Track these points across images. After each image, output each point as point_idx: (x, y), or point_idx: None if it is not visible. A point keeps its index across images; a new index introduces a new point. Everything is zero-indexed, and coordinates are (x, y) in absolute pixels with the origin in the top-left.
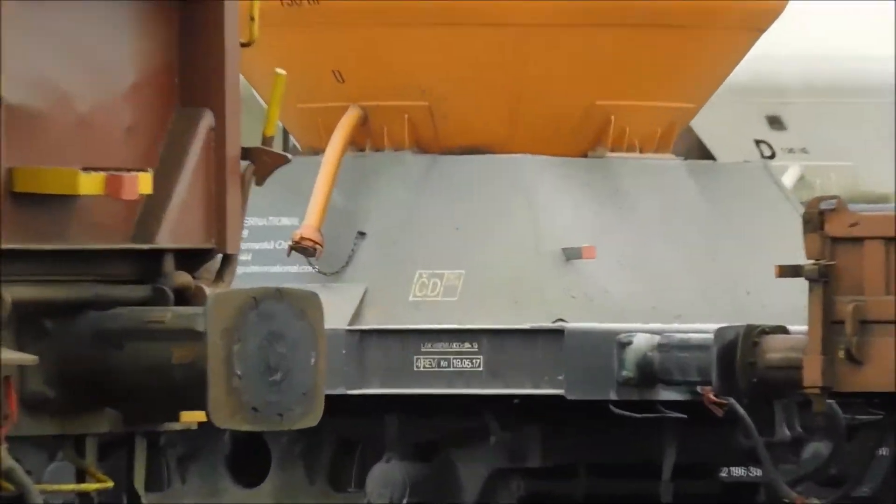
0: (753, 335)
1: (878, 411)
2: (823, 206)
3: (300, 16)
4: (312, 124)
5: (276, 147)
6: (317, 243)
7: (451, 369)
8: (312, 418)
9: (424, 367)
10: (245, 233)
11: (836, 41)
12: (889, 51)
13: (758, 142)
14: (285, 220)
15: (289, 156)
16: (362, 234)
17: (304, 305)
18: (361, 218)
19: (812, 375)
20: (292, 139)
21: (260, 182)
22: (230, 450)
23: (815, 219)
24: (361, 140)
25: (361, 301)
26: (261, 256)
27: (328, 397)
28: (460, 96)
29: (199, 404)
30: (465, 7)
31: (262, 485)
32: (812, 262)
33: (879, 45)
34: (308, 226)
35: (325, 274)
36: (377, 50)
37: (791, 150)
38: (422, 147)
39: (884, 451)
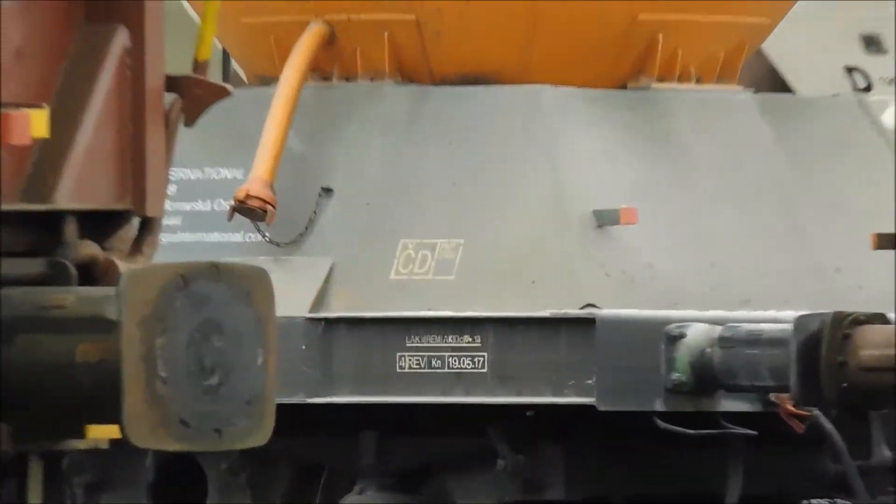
0: (844, 326)
1: None
2: None
3: None
4: (262, 45)
5: (213, 77)
6: (268, 203)
7: (446, 371)
8: (261, 435)
9: (410, 367)
10: (172, 189)
11: None
12: None
13: (849, 69)
14: (226, 173)
15: (229, 87)
16: (328, 190)
17: (249, 286)
18: (327, 170)
19: None
20: (235, 65)
21: (190, 122)
22: (153, 477)
23: None
24: (327, 65)
25: (327, 280)
26: (193, 221)
27: (283, 408)
28: (458, 7)
29: (112, 416)
30: None
31: None
32: None
33: None
34: (256, 179)
35: (278, 244)
36: None
37: (892, 81)
38: (407, 76)
39: None
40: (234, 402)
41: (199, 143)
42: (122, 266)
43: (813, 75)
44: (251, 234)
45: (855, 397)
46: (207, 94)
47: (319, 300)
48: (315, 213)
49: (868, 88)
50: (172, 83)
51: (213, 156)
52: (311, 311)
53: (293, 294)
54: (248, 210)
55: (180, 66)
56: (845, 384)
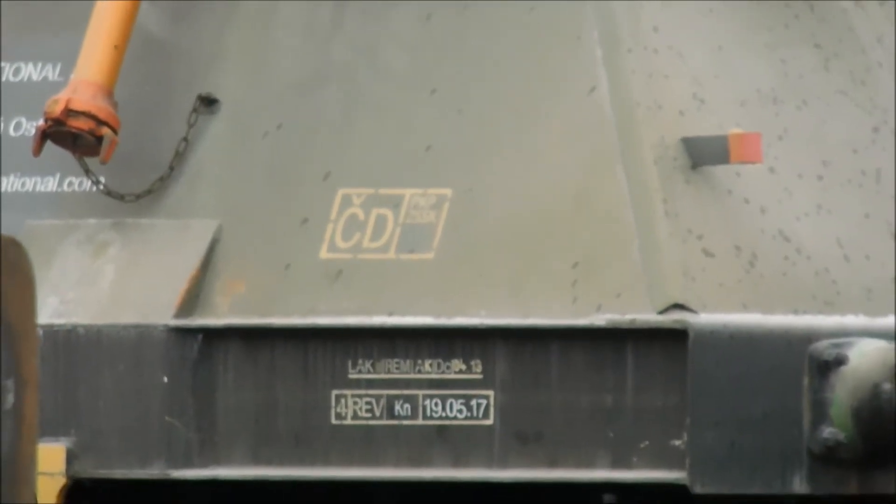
0: None
1: None
2: None
3: None
4: None
5: None
6: (104, 123)
7: (421, 423)
8: None
9: (355, 416)
10: None
11: None
12: None
13: None
14: (31, 71)
15: None
16: (210, 101)
17: None
18: (208, 67)
19: None
20: None
21: None
22: None
23: None
24: None
25: (207, 259)
26: None
27: (126, 486)
28: None
29: None
30: None
31: None
32: None
33: None
34: (84, 83)
35: (122, 197)
36: None
37: None
38: None
39: None
40: None
41: None
42: None
43: None
44: (75, 180)
45: None
46: None
47: (193, 296)
48: (186, 142)
49: None
50: None
51: (10, 42)
52: (177, 316)
53: (148, 285)
54: (70, 136)
55: None
56: None
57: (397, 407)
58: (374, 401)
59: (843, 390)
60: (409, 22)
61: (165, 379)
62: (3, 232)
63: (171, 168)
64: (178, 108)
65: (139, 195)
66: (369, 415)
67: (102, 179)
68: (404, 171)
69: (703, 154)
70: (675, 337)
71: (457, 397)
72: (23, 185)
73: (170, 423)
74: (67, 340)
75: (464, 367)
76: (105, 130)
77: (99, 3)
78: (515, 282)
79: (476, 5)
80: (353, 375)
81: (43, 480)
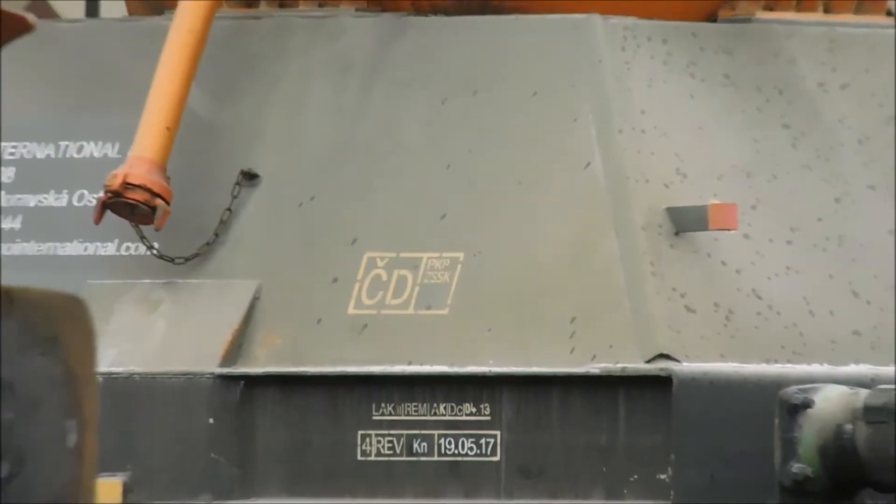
0: None
1: None
2: None
3: None
4: None
5: (69, 6)
6: (157, 196)
7: (436, 459)
8: None
9: (378, 453)
10: (8, 175)
11: None
12: None
13: None
14: (92, 150)
15: (29, 17)
16: (251, 176)
17: (56, 325)
18: (250, 145)
19: None
20: None
21: None
22: None
23: None
24: None
25: (248, 315)
26: (42, 223)
27: None
28: None
29: None
30: None
31: None
32: None
33: None
34: (140, 160)
35: (173, 260)
36: None
37: None
38: (377, 0)
39: None
40: None
41: (52, 103)
42: None
43: None
44: (131, 245)
45: None
46: (9, 26)
47: (235, 347)
48: (230, 211)
49: None
50: None
51: (74, 123)
52: (222, 365)
53: (196, 338)
54: (127, 206)
55: None
56: None
57: (415, 445)
58: (395, 440)
59: (809, 430)
60: (427, 104)
61: (211, 420)
62: (67, 291)
63: (216, 234)
64: (222, 181)
65: (188, 258)
66: (391, 452)
67: (156, 244)
68: (422, 237)
69: (686, 222)
70: (661, 383)
71: (468, 436)
72: (85, 249)
73: (215, 460)
74: (124, 387)
75: (474, 409)
76: (158, 202)
77: (153, 87)
78: (519, 334)
79: (485, 91)
80: (376, 417)
81: None
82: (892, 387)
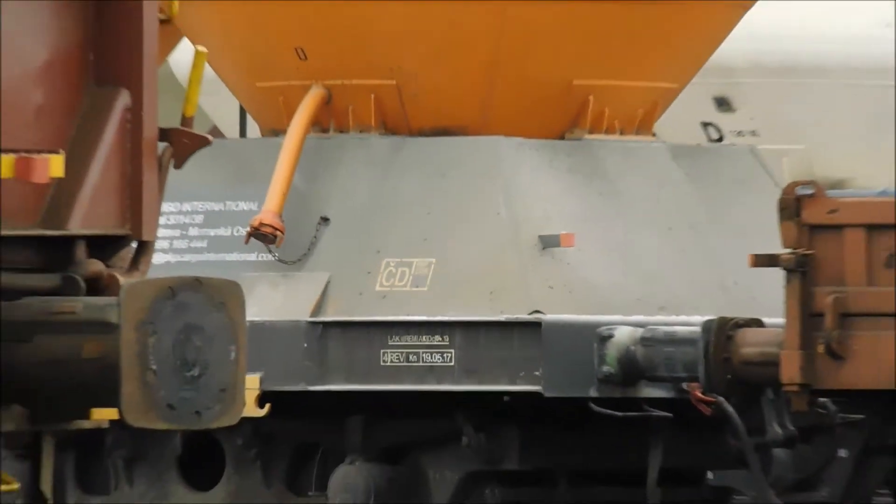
0: (727, 328)
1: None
2: (800, 191)
3: None
4: (273, 104)
5: (232, 130)
6: (277, 229)
7: (421, 364)
8: (232, 416)
9: (392, 361)
10: (199, 219)
11: (787, 21)
12: (840, 30)
13: (705, 124)
14: (243, 205)
15: (209, 137)
16: (325, 219)
17: (224, 296)
18: (324, 203)
19: (790, 372)
20: (250, 120)
21: (178, 165)
22: (181, 451)
23: (792, 205)
24: (325, 120)
25: (324, 291)
26: (217, 244)
27: (286, 394)
28: (431, 74)
29: (112, 401)
30: None
31: (216, 489)
32: (789, 251)
33: (831, 26)
34: (268, 211)
35: (285, 262)
36: (342, 25)
37: (740, 133)
38: (389, 128)
39: (843, 454)
40: (211, 390)
41: (223, 182)
42: (122, 280)
43: (675, 129)
44: (263, 255)
45: (739, 386)
46: (192, 143)
47: (318, 308)
48: (315, 237)
49: (720, 139)
50: (164, 134)
51: (234, 191)
52: (310, 317)
53: (297, 302)
54: (262, 235)
55: (171, 121)
56: (730, 375)
57: (411, 357)
58: (400, 354)
59: (611, 350)
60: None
61: (305, 345)
62: (230, 279)
63: (308, 250)
64: (310, 221)
65: (293, 262)
66: (398, 361)
67: (276, 254)
68: (412, 250)
69: (549, 242)
70: (535, 325)
71: (438, 353)
72: (240, 257)
73: (307, 365)
74: (261, 328)
75: (441, 339)
76: (277, 233)
77: (275, 173)
78: (466, 301)
79: (442, 176)
80: (391, 342)
81: (248, 393)
82: (658, 327)
